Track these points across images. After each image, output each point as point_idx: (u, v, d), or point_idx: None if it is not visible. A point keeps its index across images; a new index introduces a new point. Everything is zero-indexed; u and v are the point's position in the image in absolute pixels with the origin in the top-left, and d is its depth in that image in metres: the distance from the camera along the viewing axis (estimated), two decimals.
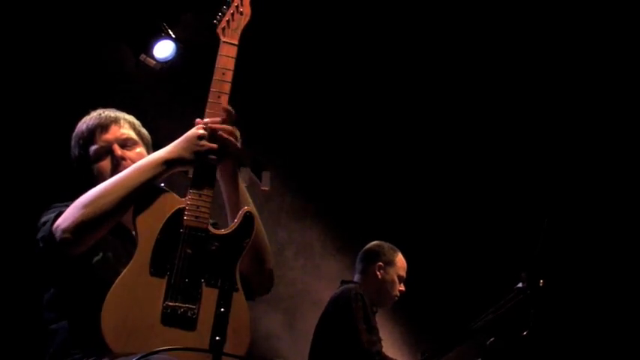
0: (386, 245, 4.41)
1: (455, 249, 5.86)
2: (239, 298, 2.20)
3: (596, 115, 5.48)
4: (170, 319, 2.13)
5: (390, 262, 4.34)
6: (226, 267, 2.22)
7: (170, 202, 2.26)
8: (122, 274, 2.15)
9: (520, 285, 3.83)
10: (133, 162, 2.38)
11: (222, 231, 2.28)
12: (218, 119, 2.31)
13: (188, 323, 2.14)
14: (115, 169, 2.41)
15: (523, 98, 5.74)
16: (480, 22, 5.52)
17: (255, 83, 5.50)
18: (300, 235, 5.84)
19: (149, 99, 5.14)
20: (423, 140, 6.09)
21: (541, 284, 3.68)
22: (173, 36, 5.11)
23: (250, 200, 2.40)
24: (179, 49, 5.13)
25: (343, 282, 4.35)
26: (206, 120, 2.30)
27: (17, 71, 4.82)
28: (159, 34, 5.10)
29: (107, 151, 2.46)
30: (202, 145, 2.26)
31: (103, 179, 2.34)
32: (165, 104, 4.98)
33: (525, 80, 5.67)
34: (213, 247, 2.23)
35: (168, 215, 2.23)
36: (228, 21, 2.43)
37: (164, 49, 5.14)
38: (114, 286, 2.14)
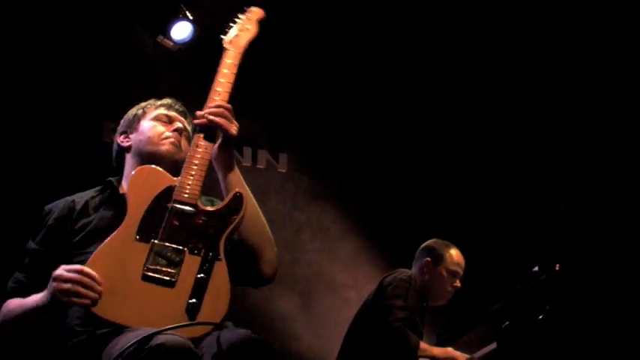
0: (440, 241, 4.41)
1: (470, 232, 5.84)
2: (221, 267, 2.25)
3: (613, 100, 5.44)
4: (149, 280, 2.19)
5: (440, 258, 4.32)
6: (212, 238, 2.27)
7: (162, 180, 2.38)
8: (109, 238, 2.25)
9: (536, 269, 3.82)
10: (179, 145, 2.57)
11: (212, 207, 2.36)
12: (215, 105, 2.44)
13: (167, 285, 2.19)
14: (161, 134, 2.58)
15: (538, 84, 5.71)
16: (497, 10, 5.50)
17: (273, 66, 5.50)
18: (317, 218, 5.83)
19: (166, 80, 5.15)
20: (439, 123, 6.07)
21: (557, 268, 3.68)
22: (191, 17, 5.11)
23: (246, 187, 2.46)
24: (196, 31, 5.13)
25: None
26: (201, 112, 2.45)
27: (34, 54, 4.84)
28: (176, 16, 5.10)
29: (169, 120, 2.64)
30: (59, 285, 2.17)
31: (145, 136, 2.58)
32: (182, 85, 4.98)
33: (543, 66, 5.64)
34: (201, 221, 2.30)
35: (159, 190, 2.34)
36: (235, 35, 2.62)
37: (182, 31, 5.15)
38: (99, 248, 2.24)
